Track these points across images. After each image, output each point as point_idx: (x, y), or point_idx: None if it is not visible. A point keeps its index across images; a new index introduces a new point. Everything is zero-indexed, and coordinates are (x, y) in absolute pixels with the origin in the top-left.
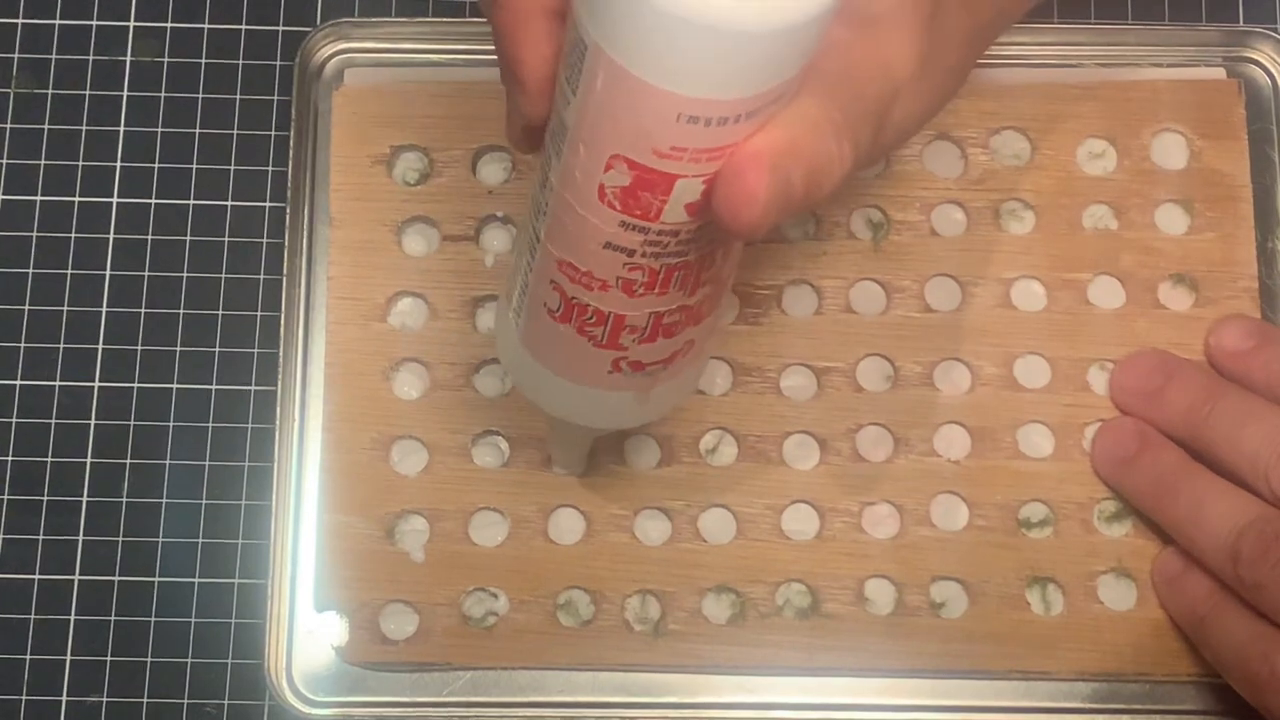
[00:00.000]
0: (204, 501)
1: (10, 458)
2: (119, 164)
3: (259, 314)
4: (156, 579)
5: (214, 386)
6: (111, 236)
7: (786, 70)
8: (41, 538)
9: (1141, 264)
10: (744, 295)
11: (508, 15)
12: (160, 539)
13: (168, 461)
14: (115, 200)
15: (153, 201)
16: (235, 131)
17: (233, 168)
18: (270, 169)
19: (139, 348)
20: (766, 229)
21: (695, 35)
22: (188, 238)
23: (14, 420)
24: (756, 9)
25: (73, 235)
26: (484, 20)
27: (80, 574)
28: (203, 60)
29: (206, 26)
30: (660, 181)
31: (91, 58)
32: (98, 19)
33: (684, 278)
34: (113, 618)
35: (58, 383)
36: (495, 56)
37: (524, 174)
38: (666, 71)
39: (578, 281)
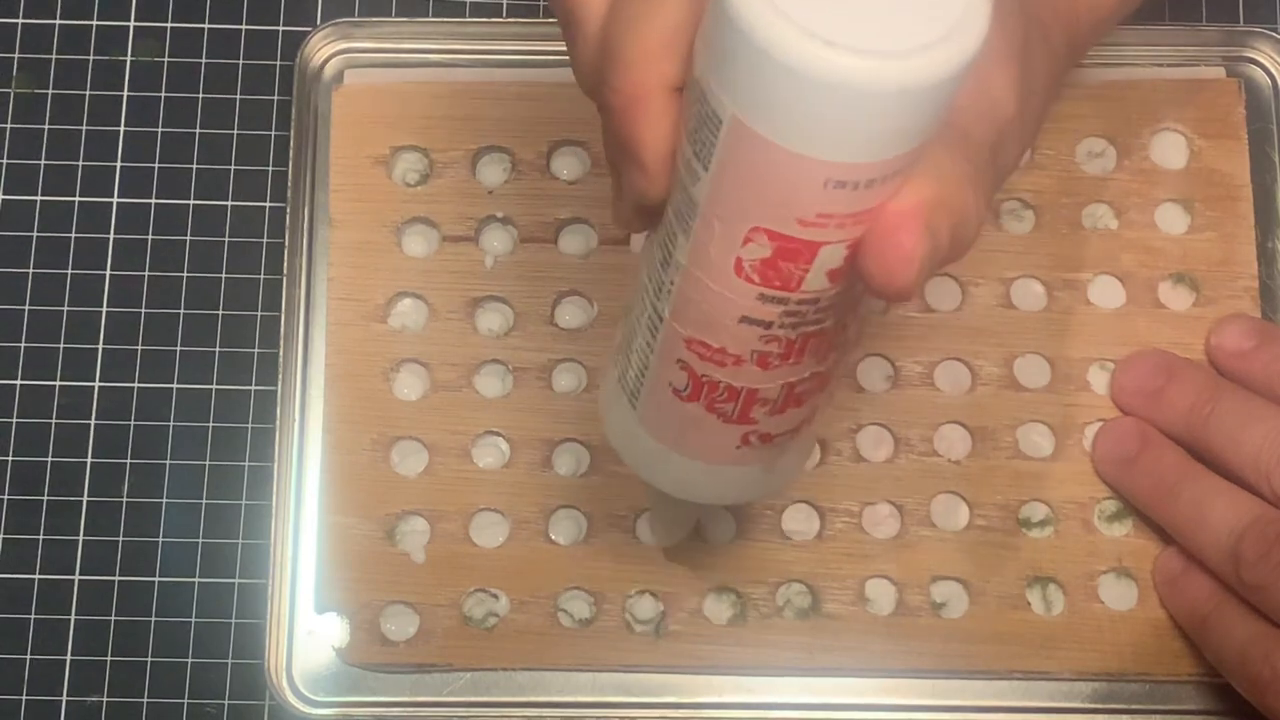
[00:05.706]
0: (204, 501)
1: (10, 458)
2: (119, 164)
3: (259, 314)
4: (156, 579)
5: (214, 386)
6: (111, 236)
7: (936, 123)
8: (41, 538)
9: (1141, 264)
10: None
11: (623, 95)
12: (160, 539)
13: (168, 461)
14: (115, 200)
15: (153, 201)
16: (235, 131)
17: (233, 168)
18: (270, 169)
19: (139, 348)
20: (919, 289)
21: (850, 100)
22: (188, 238)
23: (14, 420)
24: (914, 66)
25: (73, 235)
26: (485, 20)
27: (80, 574)
28: (203, 60)
29: (206, 26)
30: (803, 251)
31: (91, 58)
32: (98, 19)
33: (818, 345)
34: (113, 618)
35: (58, 383)
36: (492, 56)
37: (524, 174)
38: (816, 139)
39: (709, 359)
